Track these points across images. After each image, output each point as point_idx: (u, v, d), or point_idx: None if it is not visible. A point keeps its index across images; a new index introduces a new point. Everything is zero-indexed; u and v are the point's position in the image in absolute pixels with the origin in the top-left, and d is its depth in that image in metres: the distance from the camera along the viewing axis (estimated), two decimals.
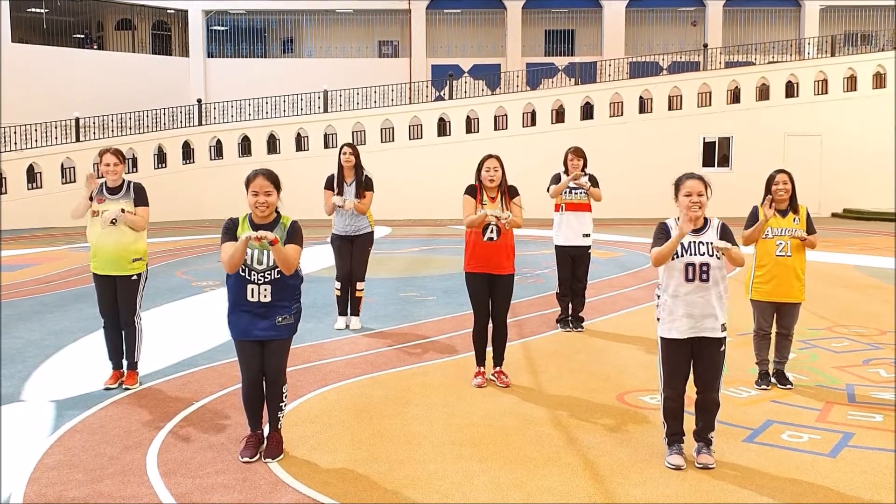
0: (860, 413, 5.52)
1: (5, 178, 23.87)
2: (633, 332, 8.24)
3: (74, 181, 24.20)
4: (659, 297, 4.67)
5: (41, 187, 24.26)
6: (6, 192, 23.73)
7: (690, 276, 4.48)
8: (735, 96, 26.94)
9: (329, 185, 8.17)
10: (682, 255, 4.49)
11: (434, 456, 4.76)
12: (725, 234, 4.57)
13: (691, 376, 4.68)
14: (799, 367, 6.66)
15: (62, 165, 24.70)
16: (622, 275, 12.44)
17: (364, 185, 8.14)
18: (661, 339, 4.63)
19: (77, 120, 25.28)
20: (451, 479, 4.40)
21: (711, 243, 4.48)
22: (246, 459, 4.63)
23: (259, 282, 4.57)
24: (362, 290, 8.40)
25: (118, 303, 6.21)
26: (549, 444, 4.96)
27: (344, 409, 5.69)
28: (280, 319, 4.63)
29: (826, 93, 26.84)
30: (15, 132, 24.61)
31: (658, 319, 4.66)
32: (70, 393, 6.15)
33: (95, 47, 33.11)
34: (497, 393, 6.07)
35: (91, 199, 6.11)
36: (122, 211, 6.04)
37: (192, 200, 25.38)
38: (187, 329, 8.68)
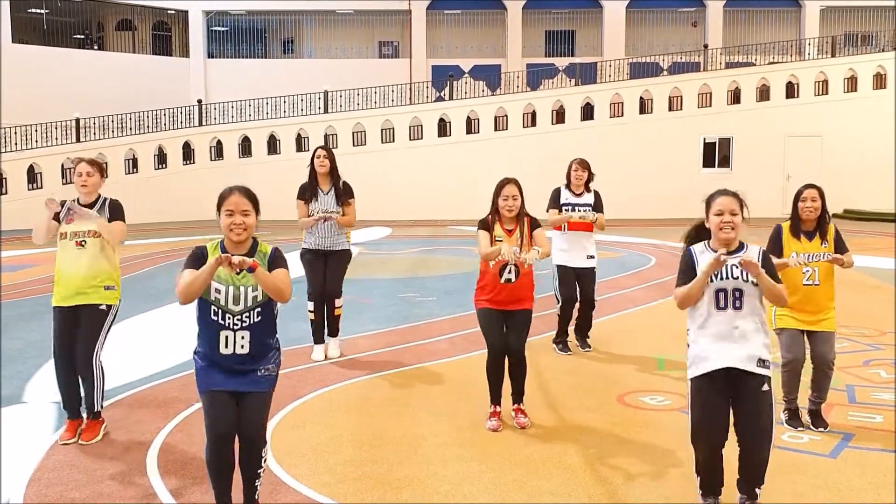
0: (860, 414, 5.52)
1: (6, 179, 23.91)
2: (632, 333, 8.24)
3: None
4: (689, 330, 3.95)
5: (41, 188, 24.27)
6: (7, 193, 23.77)
7: (722, 304, 3.80)
8: (735, 97, 26.96)
9: (302, 195, 7.10)
10: (713, 280, 3.80)
11: (435, 457, 4.76)
12: (766, 260, 3.89)
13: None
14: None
15: (62, 166, 24.73)
16: (622, 275, 12.44)
17: (345, 194, 7.11)
18: (691, 380, 3.88)
19: (77, 120, 25.31)
20: (451, 480, 4.40)
21: (739, 266, 3.78)
22: None
23: (235, 327, 3.70)
24: (341, 307, 7.32)
25: (76, 339, 5.15)
26: (550, 444, 4.96)
27: (344, 410, 5.69)
28: (262, 372, 3.77)
29: (826, 93, 26.86)
30: (15, 133, 24.64)
31: (689, 365, 3.93)
32: None
33: (96, 48, 33.14)
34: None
35: (59, 220, 5.15)
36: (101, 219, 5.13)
37: (193, 201, 25.34)
38: (187, 330, 8.66)
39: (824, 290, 5.20)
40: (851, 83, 26.84)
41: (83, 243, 5.11)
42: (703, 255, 3.88)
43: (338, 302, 7.29)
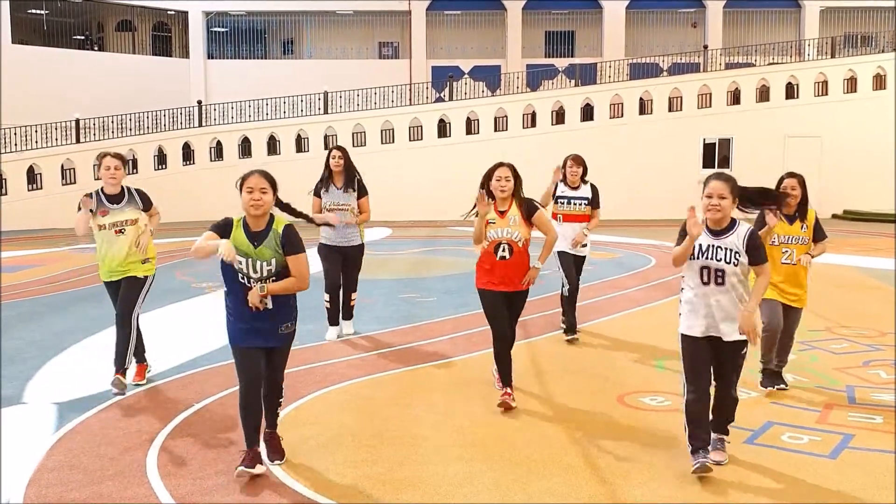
0: (860, 414, 5.52)
1: (6, 180, 23.91)
2: (632, 333, 8.23)
3: (74, 182, 24.23)
4: (682, 289, 4.58)
5: (41, 188, 24.29)
6: (6, 194, 23.76)
7: (706, 280, 4.40)
8: (735, 98, 26.96)
9: (317, 192, 7.69)
10: (699, 258, 4.38)
11: (435, 457, 4.76)
12: (752, 243, 4.38)
13: None
14: (799, 368, 6.65)
15: (62, 167, 24.74)
16: (622, 276, 12.43)
17: (359, 191, 7.66)
18: (681, 335, 4.55)
19: (77, 121, 25.30)
20: (452, 480, 4.40)
21: (731, 249, 4.34)
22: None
23: None
24: (355, 298, 8.09)
25: (118, 305, 6.11)
26: (551, 444, 4.96)
27: (344, 411, 5.69)
28: (283, 328, 4.50)
29: (826, 94, 26.85)
30: (15, 133, 24.64)
31: (680, 314, 4.58)
32: (71, 394, 6.14)
33: (96, 49, 33.14)
34: (497, 394, 6.06)
35: (92, 211, 5.99)
36: (148, 231, 6.18)
37: (192, 201, 25.38)
38: (188, 330, 8.68)
39: (801, 270, 5.91)
40: (851, 84, 26.84)
41: (122, 231, 6.05)
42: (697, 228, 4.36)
43: (353, 295, 8.06)
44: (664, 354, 7.19)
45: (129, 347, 6.11)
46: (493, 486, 4.33)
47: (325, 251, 7.75)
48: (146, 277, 6.20)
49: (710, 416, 4.58)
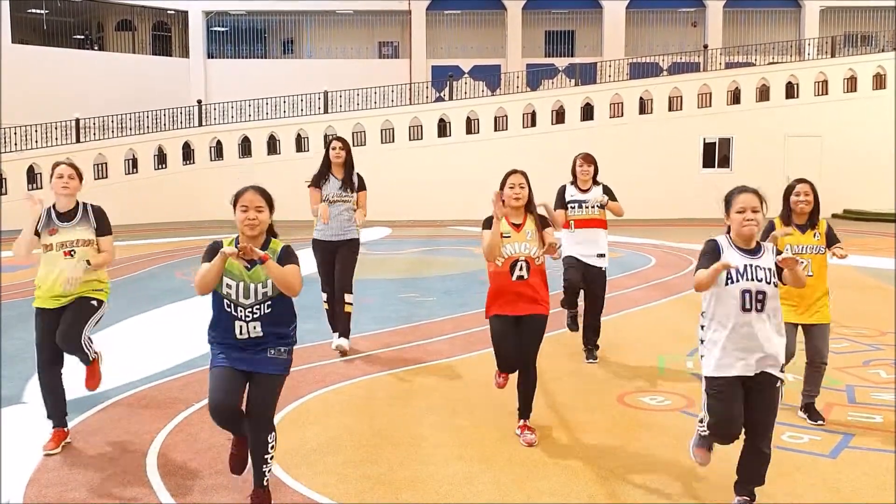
0: (860, 414, 5.52)
1: (5, 179, 23.93)
2: (633, 333, 8.24)
3: None
4: (703, 327, 4.02)
5: (41, 188, 24.26)
6: (6, 193, 23.78)
7: (748, 306, 3.84)
8: (735, 97, 26.97)
9: (315, 183, 7.21)
10: (738, 280, 3.83)
11: (434, 457, 4.76)
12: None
13: None
14: (799, 368, 6.63)
15: None
16: (622, 276, 12.43)
17: (359, 185, 7.24)
18: (708, 378, 3.96)
19: (77, 121, 25.31)
20: (451, 480, 4.40)
21: (769, 268, 3.87)
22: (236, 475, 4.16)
23: (247, 318, 3.89)
24: (351, 303, 7.30)
25: (62, 326, 4.99)
26: (550, 444, 4.96)
27: (344, 410, 5.69)
28: (272, 352, 3.93)
29: (826, 94, 26.87)
30: (15, 133, 24.66)
31: (702, 357, 4.02)
32: (71, 394, 6.12)
33: (96, 48, 33.14)
34: (497, 394, 6.04)
35: (38, 233, 5.02)
36: (88, 263, 4.97)
37: (192, 201, 25.40)
38: (187, 330, 8.67)
39: (818, 282, 5.37)
40: (851, 83, 26.85)
41: (72, 253, 4.96)
42: (728, 251, 3.92)
43: (348, 297, 7.24)
44: (665, 354, 7.19)
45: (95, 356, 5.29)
46: (492, 485, 4.33)
47: (318, 248, 7.30)
48: (101, 303, 5.12)
49: (737, 474, 4.03)
